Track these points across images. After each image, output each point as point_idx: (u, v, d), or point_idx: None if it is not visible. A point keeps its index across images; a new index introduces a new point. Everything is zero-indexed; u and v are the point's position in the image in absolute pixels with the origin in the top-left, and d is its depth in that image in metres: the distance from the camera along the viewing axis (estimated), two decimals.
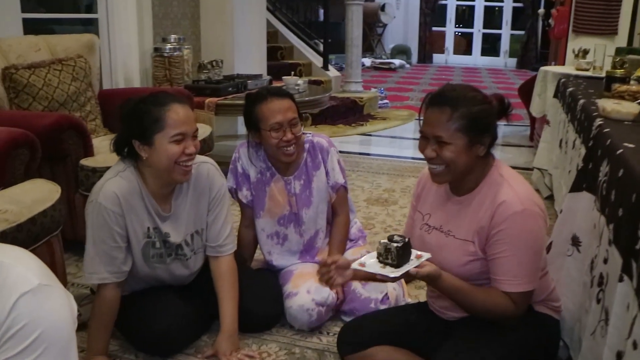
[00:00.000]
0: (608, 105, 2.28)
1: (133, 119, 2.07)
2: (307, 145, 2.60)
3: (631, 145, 1.77)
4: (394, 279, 1.73)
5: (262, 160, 2.58)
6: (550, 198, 3.77)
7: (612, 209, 1.62)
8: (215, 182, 2.30)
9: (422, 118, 1.82)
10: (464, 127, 1.72)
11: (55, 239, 2.47)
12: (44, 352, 1.24)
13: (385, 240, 1.72)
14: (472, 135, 1.74)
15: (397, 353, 2.03)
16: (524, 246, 1.74)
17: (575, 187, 2.21)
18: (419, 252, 1.76)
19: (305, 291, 2.44)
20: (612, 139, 1.87)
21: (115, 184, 2.09)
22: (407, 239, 1.73)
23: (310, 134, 2.65)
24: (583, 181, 2.15)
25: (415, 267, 1.70)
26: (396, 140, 6.36)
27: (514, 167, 1.99)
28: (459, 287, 1.80)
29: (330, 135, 6.18)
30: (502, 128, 5.66)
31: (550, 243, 2.26)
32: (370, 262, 1.76)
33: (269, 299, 2.48)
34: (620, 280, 1.39)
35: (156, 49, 4.75)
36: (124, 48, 4.59)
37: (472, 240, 1.82)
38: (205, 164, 2.29)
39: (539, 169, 4.19)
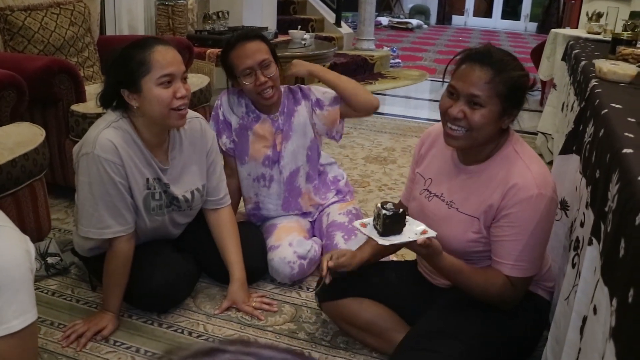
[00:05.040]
0: (605, 66, 2.20)
1: (118, 66, 2.00)
2: (283, 89, 2.57)
3: (618, 106, 1.70)
4: (382, 245, 1.65)
5: (243, 106, 2.55)
6: (552, 163, 3.68)
7: (591, 170, 1.57)
8: (208, 135, 2.30)
9: (449, 75, 1.68)
10: (503, 93, 1.60)
11: (38, 182, 2.46)
12: None
13: (379, 205, 1.62)
14: (507, 105, 1.62)
15: (371, 306, 1.99)
16: (533, 231, 1.65)
17: (565, 149, 2.15)
18: (426, 228, 1.65)
19: (287, 244, 2.44)
20: (600, 99, 1.80)
21: (110, 134, 2.01)
22: (401, 210, 1.61)
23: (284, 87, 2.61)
24: (573, 143, 2.08)
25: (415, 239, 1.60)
26: (403, 100, 6.25)
27: (519, 132, 1.94)
28: (459, 267, 1.70)
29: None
30: None
31: None
32: (370, 223, 1.66)
33: (254, 253, 2.45)
34: (590, 243, 1.34)
35: None
36: None
37: (478, 217, 1.72)
38: (197, 119, 2.27)
39: (543, 133, 4.11)
